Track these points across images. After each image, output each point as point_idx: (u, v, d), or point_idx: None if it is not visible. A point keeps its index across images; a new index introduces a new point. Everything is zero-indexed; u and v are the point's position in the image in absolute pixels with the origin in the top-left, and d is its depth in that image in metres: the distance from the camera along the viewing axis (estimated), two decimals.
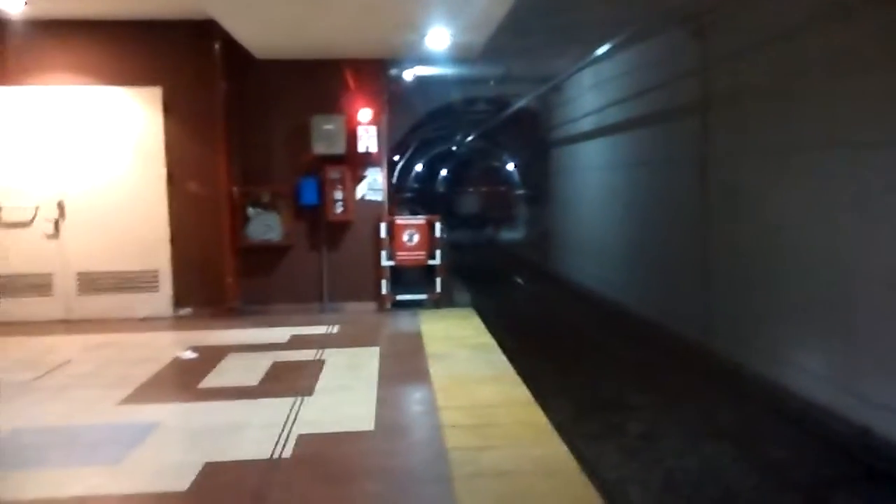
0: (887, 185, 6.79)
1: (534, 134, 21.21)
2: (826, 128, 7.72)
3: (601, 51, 11.01)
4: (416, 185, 38.05)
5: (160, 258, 9.47)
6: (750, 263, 9.35)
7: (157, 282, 9.49)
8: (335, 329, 8.75)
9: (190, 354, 7.48)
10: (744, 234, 9.52)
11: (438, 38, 8.39)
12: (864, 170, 7.10)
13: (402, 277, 10.47)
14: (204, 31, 9.05)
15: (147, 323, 9.23)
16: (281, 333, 8.46)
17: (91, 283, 9.38)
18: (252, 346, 7.94)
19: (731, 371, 9.66)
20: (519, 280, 20.51)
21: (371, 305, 9.86)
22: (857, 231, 7.24)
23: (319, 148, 9.44)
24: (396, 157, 24.80)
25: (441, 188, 42.51)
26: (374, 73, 9.87)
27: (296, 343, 8.02)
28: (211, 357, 7.33)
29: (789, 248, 8.52)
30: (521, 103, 17.60)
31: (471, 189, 38.26)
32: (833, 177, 7.62)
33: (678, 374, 10.22)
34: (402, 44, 9.10)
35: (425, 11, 7.38)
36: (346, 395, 6.01)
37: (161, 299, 9.51)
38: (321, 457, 4.69)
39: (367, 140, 9.55)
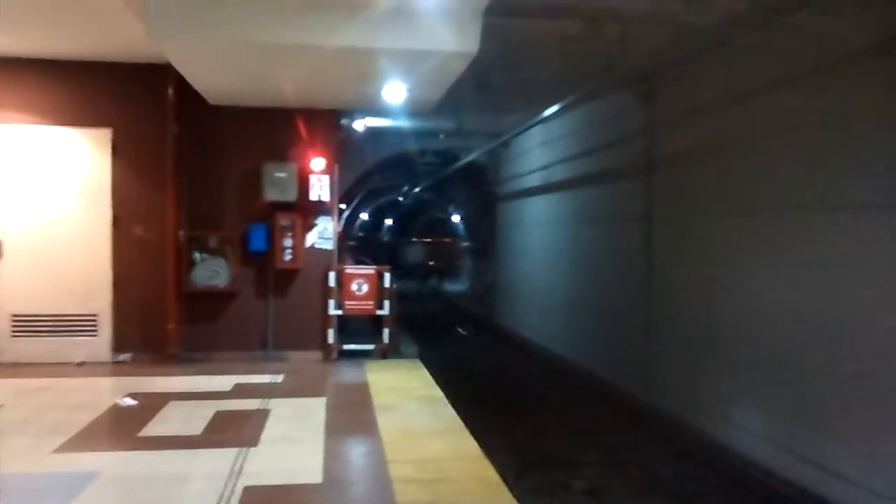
0: (824, 245, 7.07)
1: (481, 187, 21.50)
2: (765, 191, 8.03)
3: (551, 110, 11.29)
4: (360, 234, 38.00)
5: (101, 302, 9.24)
6: (691, 322, 9.57)
7: (96, 326, 9.24)
8: (280, 378, 8.61)
9: (129, 401, 7.27)
10: (685, 293, 9.75)
11: (394, 92, 8.51)
12: (803, 231, 7.39)
13: (349, 327, 10.41)
14: (157, 75, 9.03)
15: (84, 368, 8.96)
16: (224, 382, 8.29)
17: (26, 325, 9.08)
18: (194, 394, 7.76)
19: (673, 428, 9.79)
20: (464, 333, 20.53)
21: (317, 355, 9.75)
22: (798, 291, 7.49)
23: (271, 195, 9.41)
24: (343, 206, 24.79)
25: (386, 237, 42.56)
26: (327, 122, 9.93)
27: (240, 392, 7.87)
28: (152, 405, 7.13)
29: (728, 308, 8.76)
30: (469, 157, 17.84)
31: (416, 240, 38.38)
32: (772, 238, 7.90)
33: (622, 430, 10.32)
34: (358, 96, 9.21)
35: (383, 67, 7.49)
36: (292, 447, 5.90)
37: (100, 344, 9.25)
38: None
39: (320, 189, 9.56)
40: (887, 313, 6.34)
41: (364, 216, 36.84)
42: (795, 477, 7.39)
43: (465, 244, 29.93)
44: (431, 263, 36.08)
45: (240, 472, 5.24)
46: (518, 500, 4.86)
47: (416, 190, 26.89)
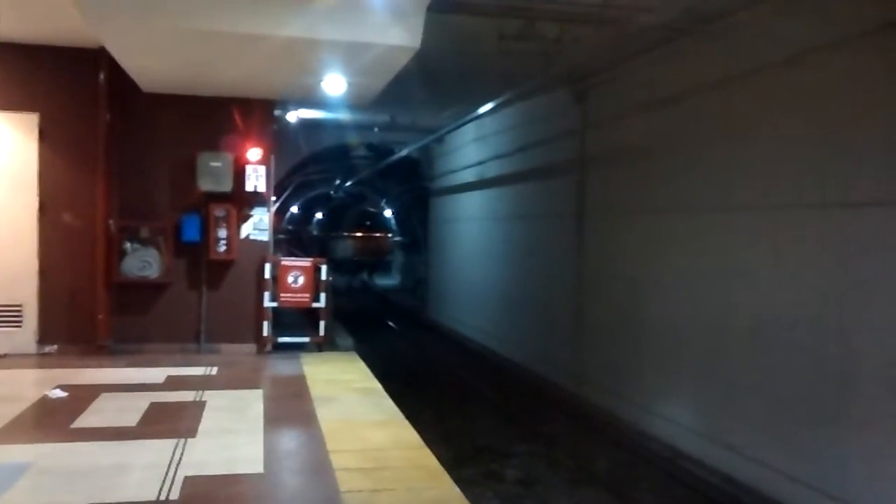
0: (749, 242, 7.40)
1: (414, 182, 21.56)
2: (691, 190, 8.35)
3: (486, 107, 11.43)
4: (290, 227, 37.60)
5: (26, 291, 8.95)
6: (620, 316, 9.86)
7: (20, 316, 8.95)
8: (214, 370, 8.50)
9: (59, 393, 7.08)
10: (614, 288, 10.04)
11: (334, 83, 8.50)
12: (727, 229, 7.72)
13: (282, 319, 10.34)
14: (88, 60, 8.80)
15: (7, 360, 8.67)
16: (156, 374, 8.14)
17: None
18: (126, 385, 7.61)
19: (603, 419, 10.08)
20: (395, 327, 20.58)
21: (251, 347, 9.65)
22: (722, 286, 7.82)
23: (205, 185, 9.27)
24: (273, 198, 24.49)
25: (316, 231, 42.22)
26: (263, 112, 9.80)
27: (173, 384, 7.74)
28: (82, 396, 6.96)
29: (653, 303, 9.07)
30: (403, 152, 17.89)
31: (346, 234, 38.19)
32: (698, 235, 8.22)
33: (553, 421, 10.56)
34: (297, 87, 9.16)
35: (325, 58, 7.48)
36: (231, 438, 5.86)
37: (24, 335, 8.96)
38: (211, 499, 4.57)
39: (256, 179, 9.46)
40: (800, 307, 6.69)
41: (294, 209, 36.48)
42: (718, 465, 7.72)
43: (397, 239, 29.96)
44: (361, 258, 35.99)
45: (179, 462, 5.19)
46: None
47: (349, 184, 26.76)
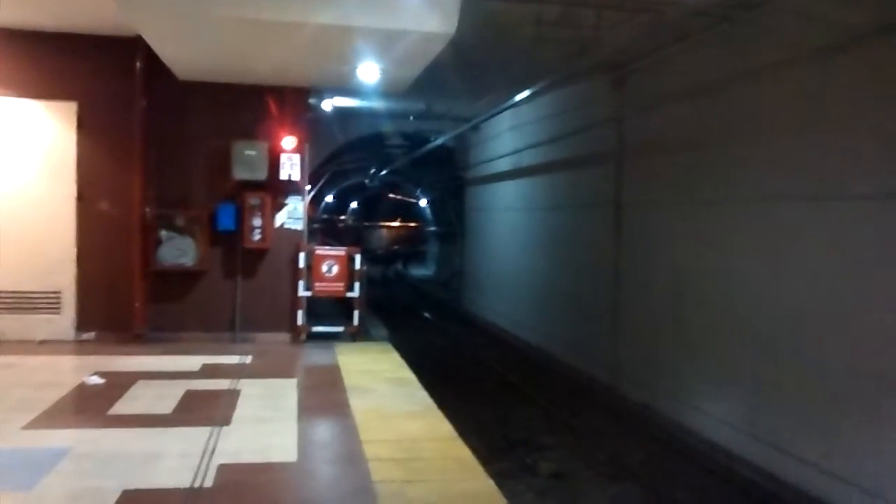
0: (792, 235, 7.21)
1: (449, 171, 21.45)
2: (735, 181, 8.15)
3: (522, 95, 11.29)
4: (324, 216, 37.77)
5: (64, 279, 9.06)
6: (657, 308, 9.70)
7: (59, 303, 9.07)
8: (248, 359, 8.54)
9: (96, 380, 7.15)
10: (653, 280, 9.87)
11: (369, 71, 8.44)
12: (770, 221, 7.52)
13: (316, 309, 10.34)
14: (125, 49, 8.86)
15: (47, 346, 8.78)
16: (192, 362, 8.19)
17: None
18: (162, 373, 7.66)
19: (637, 412, 9.94)
20: (430, 317, 20.55)
21: (285, 336, 9.67)
22: (764, 279, 7.63)
23: (240, 173, 9.29)
24: (308, 187, 24.59)
25: (350, 220, 42.37)
26: (297, 100, 9.79)
27: (208, 372, 7.78)
28: (119, 384, 7.03)
29: (693, 295, 8.89)
30: (438, 141, 17.79)
31: (381, 223, 38.26)
32: (741, 227, 8.03)
33: (587, 414, 10.44)
34: (331, 75, 9.12)
35: (360, 45, 7.43)
36: (265, 426, 5.86)
37: (63, 322, 9.08)
38: (244, 486, 4.56)
39: (291, 168, 9.46)
40: (851, 302, 6.50)
41: (329, 198, 36.63)
42: (759, 461, 7.56)
43: (432, 229, 29.92)
44: (397, 247, 36.04)
45: (213, 450, 5.19)
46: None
47: (383, 173, 26.75)
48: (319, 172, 22.23)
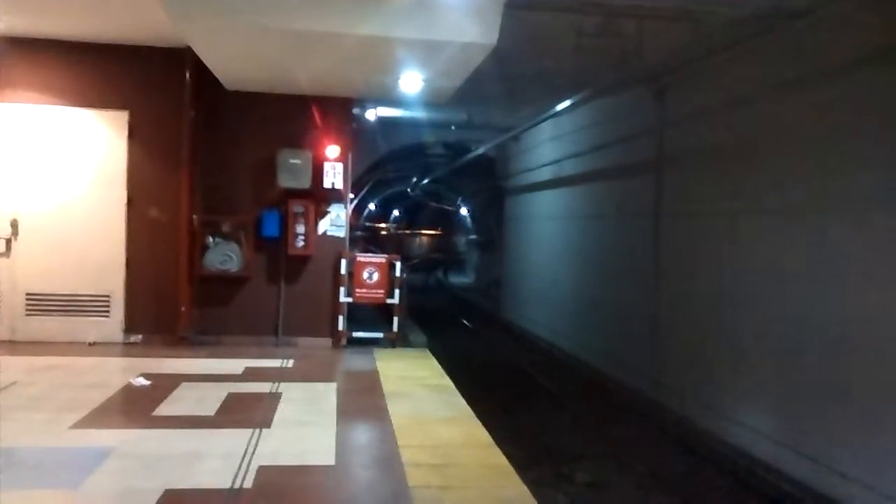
0: (837, 249, 7.11)
1: (490, 181, 21.49)
2: (777, 191, 8.07)
3: (563, 105, 11.30)
4: (367, 224, 38.04)
5: (114, 283, 9.32)
6: (698, 319, 9.61)
7: (108, 306, 9.32)
8: (290, 363, 8.68)
9: (142, 381, 7.34)
10: (694, 291, 9.79)
11: (411, 81, 8.56)
12: (816, 231, 7.43)
13: (357, 315, 10.47)
14: (175, 59, 9.08)
15: (96, 348, 9.04)
16: (235, 365, 8.36)
17: (40, 304, 9.16)
18: (206, 376, 7.83)
19: (678, 424, 9.85)
20: (470, 325, 20.58)
21: (326, 341, 9.82)
22: (807, 293, 7.53)
23: (285, 181, 9.47)
24: (351, 196, 24.82)
25: (392, 229, 42.58)
26: (341, 110, 9.97)
27: (251, 375, 7.94)
28: (164, 385, 7.21)
29: (735, 307, 8.80)
30: (479, 150, 17.85)
31: (423, 231, 38.40)
32: (784, 238, 7.94)
33: (626, 425, 10.37)
34: (374, 85, 9.25)
35: (403, 56, 7.53)
36: (305, 430, 5.97)
37: (111, 324, 9.33)
38: (283, 489, 4.66)
39: (334, 176, 9.61)
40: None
41: (371, 207, 36.88)
42: (799, 475, 7.44)
43: (472, 237, 29.97)
44: (438, 256, 36.13)
45: (254, 452, 5.31)
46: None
47: (425, 182, 26.90)
48: (363, 181, 22.48)
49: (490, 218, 23.42)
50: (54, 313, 9.20)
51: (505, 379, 13.62)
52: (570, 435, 10.09)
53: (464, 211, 31.21)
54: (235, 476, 4.80)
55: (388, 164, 21.40)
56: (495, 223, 22.13)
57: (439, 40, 6.94)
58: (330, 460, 5.24)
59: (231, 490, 4.58)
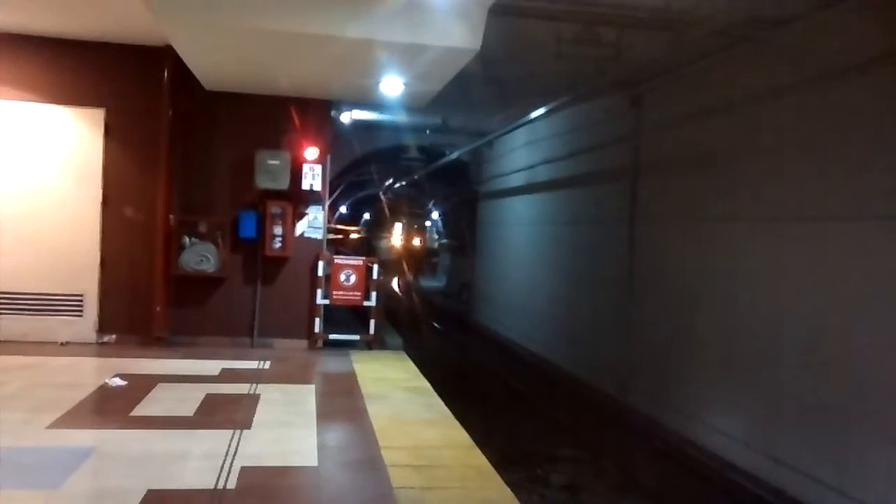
0: (805, 255, 7.27)
1: (462, 185, 21.58)
2: (748, 199, 8.23)
3: (539, 111, 11.41)
4: (337, 227, 37.92)
5: (87, 282, 9.21)
6: (670, 325, 9.75)
7: (81, 306, 9.21)
8: (267, 364, 8.64)
9: (118, 382, 7.27)
10: (665, 296, 9.93)
11: (392, 84, 8.58)
12: (783, 240, 7.59)
13: (333, 317, 10.46)
14: (153, 58, 9.02)
15: (69, 348, 8.93)
16: (211, 366, 8.31)
17: (11, 303, 9.02)
18: (182, 376, 7.77)
19: (647, 427, 9.98)
20: (440, 327, 20.63)
21: (302, 343, 9.79)
22: (778, 298, 7.70)
23: (263, 182, 9.43)
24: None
25: (363, 232, 42.53)
26: (320, 112, 9.96)
27: (228, 376, 7.90)
28: (140, 386, 7.15)
29: (706, 312, 8.95)
30: (453, 155, 17.93)
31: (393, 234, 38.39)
32: (753, 245, 8.10)
33: (598, 428, 10.49)
34: (355, 87, 9.26)
35: (386, 59, 7.56)
36: (286, 431, 5.97)
37: (84, 324, 9.22)
38: (267, 489, 4.66)
39: (312, 178, 9.59)
40: (855, 317, 6.55)
41: (343, 209, 36.81)
42: (768, 478, 7.59)
43: (444, 241, 30.03)
44: (407, 259, 36.14)
45: (236, 452, 5.30)
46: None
47: (398, 185, 26.92)
48: (336, 183, 22.43)
49: (462, 222, 23.50)
50: (26, 312, 9.06)
51: (478, 382, 13.67)
52: (543, 437, 10.19)
53: (435, 215, 31.27)
54: (218, 477, 4.79)
55: (362, 167, 21.40)
56: (468, 227, 22.21)
57: (423, 44, 6.97)
58: (312, 461, 5.25)
59: (215, 490, 4.57)
